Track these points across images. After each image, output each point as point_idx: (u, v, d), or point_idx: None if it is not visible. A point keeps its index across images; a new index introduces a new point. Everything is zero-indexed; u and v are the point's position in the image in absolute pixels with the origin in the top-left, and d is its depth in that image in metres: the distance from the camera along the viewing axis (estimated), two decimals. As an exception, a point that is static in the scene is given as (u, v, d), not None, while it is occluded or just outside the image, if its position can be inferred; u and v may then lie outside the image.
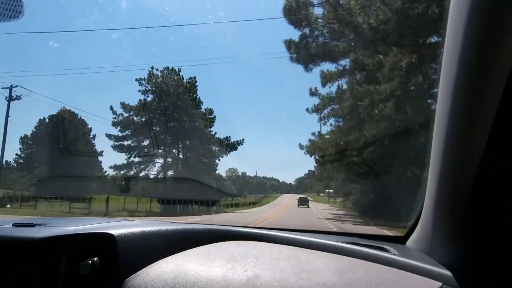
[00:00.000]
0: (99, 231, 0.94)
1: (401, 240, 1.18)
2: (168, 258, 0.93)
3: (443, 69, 0.75)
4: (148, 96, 24.66)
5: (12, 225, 1.12)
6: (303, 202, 33.46)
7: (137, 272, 0.87)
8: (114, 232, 0.92)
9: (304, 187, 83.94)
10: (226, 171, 69.13)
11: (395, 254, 0.94)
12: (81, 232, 0.97)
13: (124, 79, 48.15)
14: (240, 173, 75.24)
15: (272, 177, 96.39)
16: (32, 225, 1.08)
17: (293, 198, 46.97)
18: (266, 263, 0.88)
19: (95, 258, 0.87)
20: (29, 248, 0.94)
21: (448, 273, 0.78)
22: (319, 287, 0.76)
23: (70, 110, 32.75)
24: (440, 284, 0.75)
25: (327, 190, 60.32)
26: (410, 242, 1.11)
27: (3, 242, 0.97)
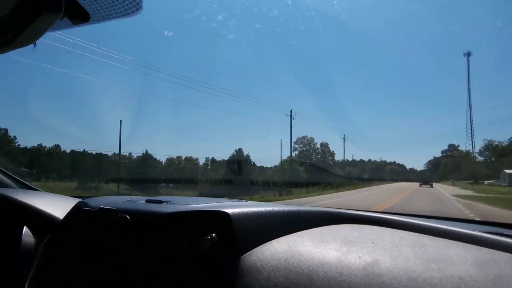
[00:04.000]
0: (216, 209, 0.99)
1: None
2: (282, 238, 0.93)
3: None
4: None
5: (145, 201, 1.27)
6: (425, 183, 30.42)
7: (252, 250, 0.89)
8: (229, 210, 0.96)
9: (441, 172, 52.11)
10: (296, 142, 43.23)
11: None
12: (201, 209, 1.04)
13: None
14: (317, 146, 47.71)
15: (395, 162, 69.45)
16: (160, 202, 1.21)
17: (408, 188, 25.31)
18: (386, 249, 0.80)
19: (213, 234, 0.92)
20: (158, 222, 1.05)
21: None
22: (454, 280, 0.65)
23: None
24: None
25: (508, 171, 33.03)
26: None
27: (139, 215, 1.10)
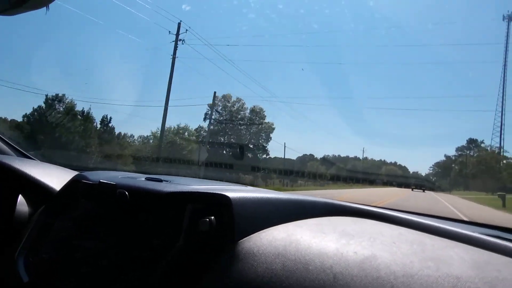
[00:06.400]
0: (217, 192, 0.98)
1: None
2: (280, 226, 0.93)
3: None
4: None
5: (145, 178, 1.27)
6: (418, 187, 27.36)
7: (250, 236, 0.89)
8: (230, 194, 0.95)
9: (454, 177, 36.99)
10: (212, 104, 25.81)
11: None
12: (202, 191, 1.03)
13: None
14: (247, 113, 30.93)
15: (395, 162, 52.38)
16: (160, 181, 1.20)
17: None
18: (385, 244, 0.80)
19: (212, 217, 0.91)
20: (157, 200, 1.05)
21: None
22: (451, 280, 0.65)
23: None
24: None
25: None
26: None
27: (138, 191, 1.09)
